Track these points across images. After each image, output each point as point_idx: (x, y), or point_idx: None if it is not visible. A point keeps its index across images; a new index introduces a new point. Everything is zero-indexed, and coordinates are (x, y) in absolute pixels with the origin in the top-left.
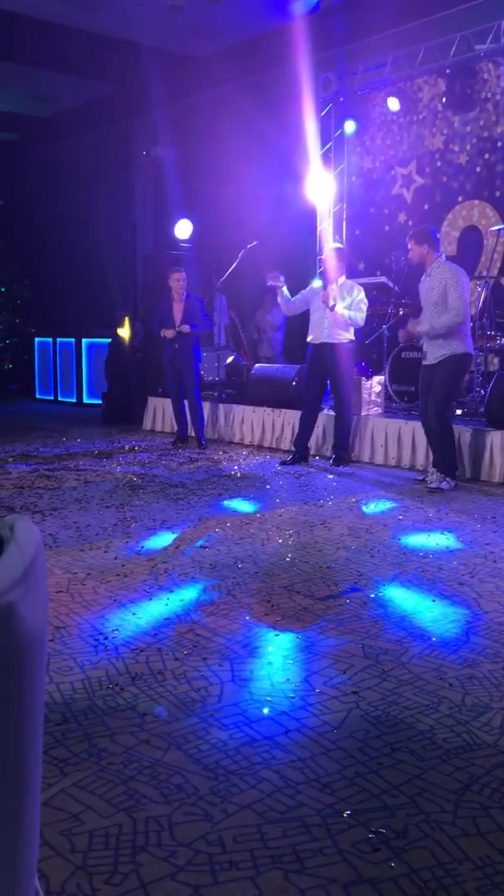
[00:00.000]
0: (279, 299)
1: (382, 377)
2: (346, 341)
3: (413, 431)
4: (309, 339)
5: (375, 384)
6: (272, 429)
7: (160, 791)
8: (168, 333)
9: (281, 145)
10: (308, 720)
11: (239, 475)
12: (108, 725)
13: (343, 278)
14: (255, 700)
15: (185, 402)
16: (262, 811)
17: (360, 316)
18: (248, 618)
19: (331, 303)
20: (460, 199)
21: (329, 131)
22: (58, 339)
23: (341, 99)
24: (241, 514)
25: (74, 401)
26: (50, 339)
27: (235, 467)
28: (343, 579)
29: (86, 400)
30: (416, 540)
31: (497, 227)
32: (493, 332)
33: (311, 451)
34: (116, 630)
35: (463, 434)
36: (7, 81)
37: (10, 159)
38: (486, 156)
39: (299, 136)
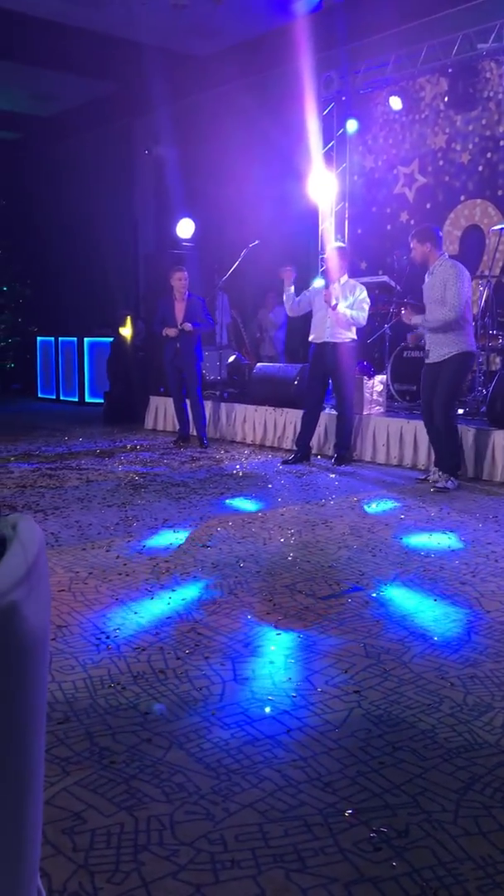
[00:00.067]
0: (284, 297)
1: (384, 376)
2: (348, 341)
3: (415, 431)
4: (311, 338)
5: (377, 383)
6: (274, 428)
7: (162, 790)
8: (170, 332)
9: (283, 144)
10: (310, 719)
11: (241, 474)
12: (110, 724)
13: (345, 277)
14: (256, 699)
15: (187, 402)
16: (264, 810)
17: (363, 315)
18: (249, 617)
19: (333, 302)
20: (462, 198)
21: (331, 130)
22: (60, 339)
23: (343, 98)
24: (243, 513)
25: (76, 400)
26: (52, 339)
27: (237, 466)
28: (345, 578)
29: (88, 399)
30: (418, 539)
31: (499, 227)
32: (495, 332)
33: (313, 451)
34: (118, 629)
35: (465, 433)
36: (8, 80)
37: (11, 159)
38: (489, 155)
39: (301, 136)
